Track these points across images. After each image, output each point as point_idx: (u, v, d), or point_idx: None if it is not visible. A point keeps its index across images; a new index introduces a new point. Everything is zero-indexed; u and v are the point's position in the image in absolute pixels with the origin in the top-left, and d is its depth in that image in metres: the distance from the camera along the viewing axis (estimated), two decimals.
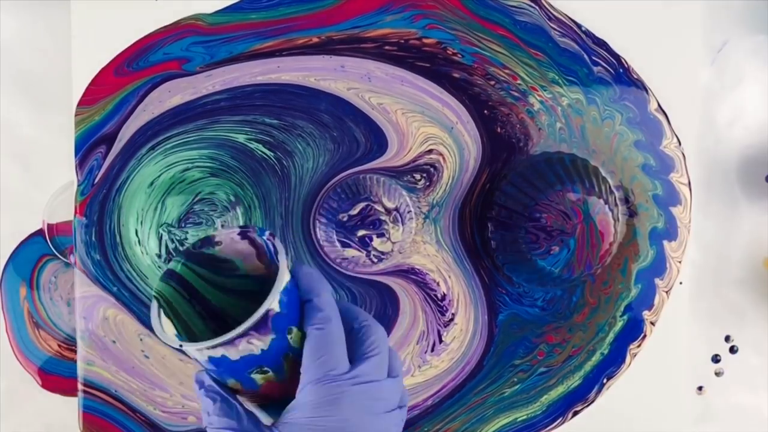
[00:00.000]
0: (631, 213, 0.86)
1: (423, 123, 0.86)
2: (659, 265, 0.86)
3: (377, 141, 0.86)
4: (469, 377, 0.88)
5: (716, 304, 0.90)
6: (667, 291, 0.86)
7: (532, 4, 0.86)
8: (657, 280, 0.86)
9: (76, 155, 0.84)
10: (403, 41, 0.86)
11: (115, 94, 0.85)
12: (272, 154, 0.86)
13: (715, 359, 0.90)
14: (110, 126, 0.85)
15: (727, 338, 0.90)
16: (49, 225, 0.86)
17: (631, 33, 0.86)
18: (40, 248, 0.87)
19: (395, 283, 0.87)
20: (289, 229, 0.86)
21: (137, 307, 0.86)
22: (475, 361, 0.88)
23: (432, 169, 0.86)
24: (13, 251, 0.87)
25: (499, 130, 0.86)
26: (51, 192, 0.86)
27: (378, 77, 0.86)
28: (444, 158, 0.86)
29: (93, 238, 0.85)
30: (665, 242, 0.86)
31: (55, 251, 0.86)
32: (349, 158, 0.86)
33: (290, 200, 0.86)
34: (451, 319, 0.87)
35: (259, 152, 0.86)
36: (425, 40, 0.86)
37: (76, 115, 0.84)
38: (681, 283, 0.87)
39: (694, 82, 0.86)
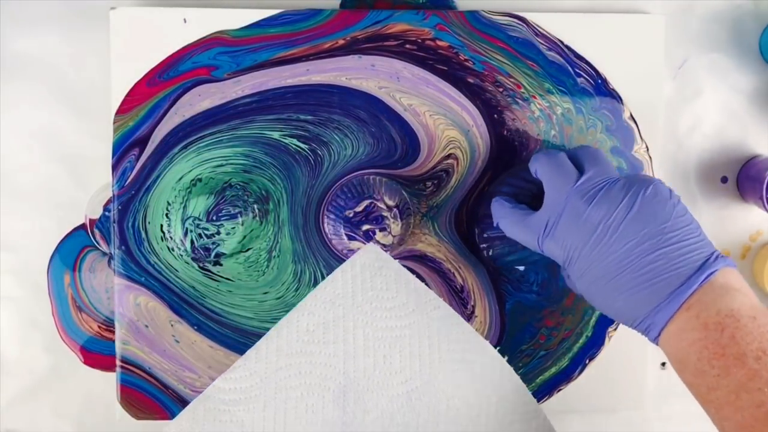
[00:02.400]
0: None
1: (447, 126, 0.88)
2: None
3: (412, 144, 0.88)
4: None
5: None
6: None
7: (520, 22, 0.87)
8: None
9: (112, 159, 0.85)
10: (420, 40, 0.87)
11: (148, 101, 0.85)
12: (306, 146, 0.87)
13: None
14: (143, 130, 0.85)
15: None
16: (90, 220, 0.88)
17: (603, 51, 0.88)
18: (83, 240, 0.89)
19: (425, 274, 0.88)
20: (310, 214, 0.88)
21: (168, 296, 0.87)
22: None
23: (444, 175, 0.88)
24: (59, 243, 0.89)
25: (505, 133, 0.88)
26: (92, 191, 0.88)
27: (405, 77, 0.87)
28: (458, 162, 0.88)
29: (121, 232, 0.86)
30: None
31: (95, 243, 0.89)
32: (389, 157, 0.88)
33: (315, 186, 0.87)
34: (472, 312, 0.89)
35: (294, 146, 0.87)
36: (439, 42, 0.87)
37: (113, 123, 0.85)
38: None
39: (659, 94, 0.89)
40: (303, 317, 0.78)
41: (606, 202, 0.72)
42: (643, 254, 0.70)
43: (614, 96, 0.89)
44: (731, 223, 0.95)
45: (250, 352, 0.78)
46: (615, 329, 0.91)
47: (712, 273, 0.69)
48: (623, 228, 0.70)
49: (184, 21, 0.85)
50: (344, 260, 0.87)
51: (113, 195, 0.86)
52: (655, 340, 0.71)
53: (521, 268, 0.86)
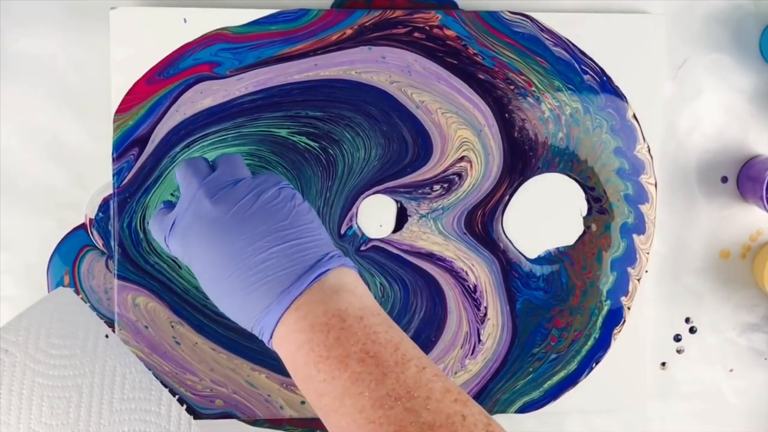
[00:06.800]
0: (603, 210, 0.88)
1: (459, 125, 0.85)
2: (630, 256, 0.88)
3: (424, 144, 0.85)
4: (493, 376, 0.89)
5: (678, 290, 0.93)
6: (638, 279, 0.89)
7: (524, 18, 0.85)
8: (629, 269, 0.88)
9: (112, 158, 0.83)
10: (428, 27, 0.84)
11: (148, 100, 0.83)
12: (317, 144, 0.85)
13: (677, 338, 0.93)
14: (144, 128, 0.83)
15: (687, 320, 0.93)
16: (90, 219, 0.86)
17: (603, 51, 0.87)
18: (83, 240, 0.87)
19: (437, 274, 0.87)
20: (329, 215, 0.85)
21: (168, 297, 0.85)
22: (501, 357, 0.88)
23: (457, 178, 0.86)
24: (59, 243, 0.87)
25: (516, 135, 0.86)
26: (92, 191, 0.87)
27: (417, 71, 0.85)
28: (471, 165, 0.86)
29: (118, 233, 0.84)
30: (635, 236, 0.88)
31: (94, 243, 0.87)
32: (399, 161, 0.85)
33: (333, 189, 0.85)
34: (485, 315, 0.87)
35: (303, 144, 0.85)
36: (446, 31, 0.85)
37: (113, 122, 0.83)
38: (647, 271, 0.89)
39: (659, 94, 0.88)
40: None
41: (227, 199, 0.68)
42: (256, 252, 0.66)
43: (618, 94, 0.87)
44: (731, 223, 0.94)
45: None
46: (620, 331, 0.90)
47: (324, 272, 0.65)
48: (239, 225, 0.67)
49: (184, 21, 0.83)
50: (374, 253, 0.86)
51: (113, 194, 0.84)
52: (269, 343, 0.67)
53: None
